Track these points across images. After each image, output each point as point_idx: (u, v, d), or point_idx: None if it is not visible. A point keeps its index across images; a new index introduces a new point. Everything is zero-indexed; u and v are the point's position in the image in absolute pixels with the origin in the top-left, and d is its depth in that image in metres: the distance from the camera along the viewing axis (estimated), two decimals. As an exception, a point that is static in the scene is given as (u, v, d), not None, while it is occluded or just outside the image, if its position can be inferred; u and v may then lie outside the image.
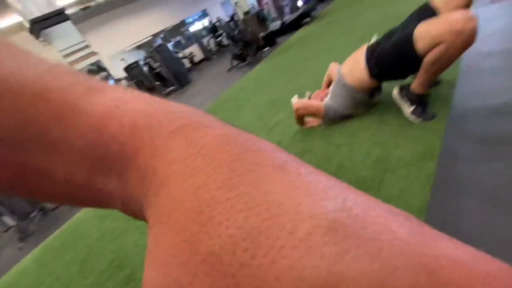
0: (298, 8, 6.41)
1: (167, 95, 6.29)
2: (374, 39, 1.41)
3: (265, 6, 11.24)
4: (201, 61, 10.05)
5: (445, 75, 1.37)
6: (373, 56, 1.32)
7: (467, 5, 1.14)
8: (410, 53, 1.14)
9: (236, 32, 4.87)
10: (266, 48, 5.53)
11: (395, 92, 1.41)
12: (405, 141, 1.26)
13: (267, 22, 6.07)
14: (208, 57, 9.72)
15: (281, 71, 3.54)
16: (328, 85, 1.85)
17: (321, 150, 1.52)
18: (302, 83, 2.72)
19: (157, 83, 6.60)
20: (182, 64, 7.50)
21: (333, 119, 1.62)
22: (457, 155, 1.07)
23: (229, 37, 5.04)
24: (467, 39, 0.99)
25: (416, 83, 1.24)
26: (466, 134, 1.14)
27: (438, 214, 0.91)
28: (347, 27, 3.83)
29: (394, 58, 1.23)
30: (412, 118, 1.32)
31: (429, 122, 1.26)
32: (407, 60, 1.20)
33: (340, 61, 2.90)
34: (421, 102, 1.27)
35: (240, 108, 2.95)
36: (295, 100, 2.18)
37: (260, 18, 5.80)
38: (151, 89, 6.53)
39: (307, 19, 6.02)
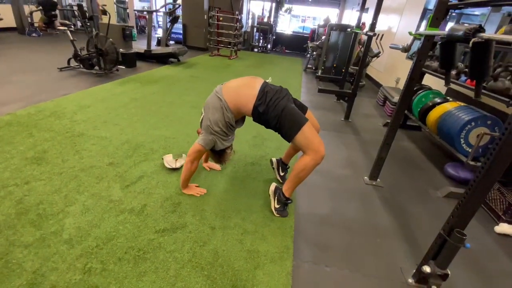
0: (167, 44, 6.33)
1: None
2: (270, 80, 1.64)
3: (141, 19, 10.66)
4: (8, 29, 7.01)
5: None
6: (263, 100, 1.46)
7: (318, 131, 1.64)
8: (288, 135, 1.47)
9: (94, 33, 3.95)
10: (122, 67, 4.86)
11: (272, 188, 1.69)
12: (269, 233, 1.49)
13: (131, 41, 5.43)
14: (24, 27, 6.96)
15: (141, 105, 3.15)
16: None
17: (195, 230, 1.44)
18: (170, 133, 2.55)
19: None
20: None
21: (216, 152, 1.67)
22: (303, 256, 1.40)
23: (84, 25, 3.97)
24: (320, 160, 1.44)
25: (286, 186, 1.58)
26: (305, 236, 1.53)
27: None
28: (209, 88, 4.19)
29: (275, 124, 1.48)
30: (275, 212, 1.63)
31: (284, 218, 1.61)
32: (282, 133, 1.50)
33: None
34: (284, 203, 1.62)
35: (80, 137, 2.25)
36: (169, 159, 1.97)
37: (126, 33, 5.14)
38: None
39: (174, 60, 6.05)
